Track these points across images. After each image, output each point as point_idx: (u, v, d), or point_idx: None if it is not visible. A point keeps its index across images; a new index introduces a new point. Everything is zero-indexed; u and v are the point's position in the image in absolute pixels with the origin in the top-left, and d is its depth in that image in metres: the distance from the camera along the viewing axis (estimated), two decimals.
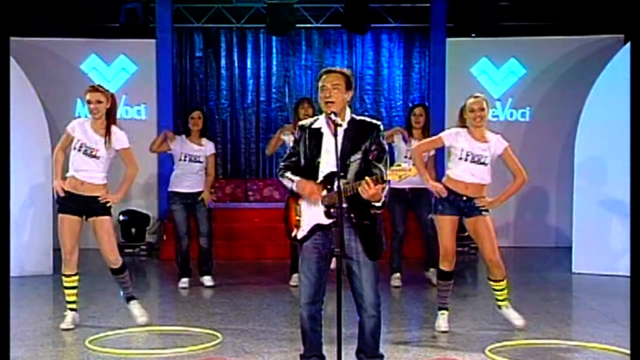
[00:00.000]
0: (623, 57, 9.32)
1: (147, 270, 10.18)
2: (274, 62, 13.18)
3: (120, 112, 11.79)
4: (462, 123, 6.30)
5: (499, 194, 6.27)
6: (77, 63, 11.76)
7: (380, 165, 4.57)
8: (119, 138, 6.38)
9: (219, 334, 6.18)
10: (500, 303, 6.44)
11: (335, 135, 4.43)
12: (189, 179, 8.29)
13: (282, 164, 4.78)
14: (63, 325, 6.50)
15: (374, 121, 4.72)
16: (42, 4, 11.42)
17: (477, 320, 6.79)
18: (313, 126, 4.68)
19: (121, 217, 11.40)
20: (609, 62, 9.47)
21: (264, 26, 12.40)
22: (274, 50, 13.17)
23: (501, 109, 11.92)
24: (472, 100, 6.28)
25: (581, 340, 6.08)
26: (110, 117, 6.36)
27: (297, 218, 4.68)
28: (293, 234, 4.71)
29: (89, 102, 6.34)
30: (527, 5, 12.00)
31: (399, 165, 4.41)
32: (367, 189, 4.36)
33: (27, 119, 9.12)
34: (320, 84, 4.61)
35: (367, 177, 4.39)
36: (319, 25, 12.76)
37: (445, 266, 6.27)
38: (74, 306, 6.60)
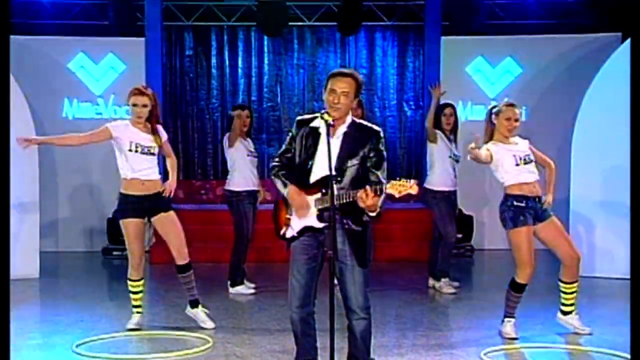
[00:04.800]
0: (621, 55, 9.33)
1: None
2: (266, 61, 13.17)
3: (108, 112, 11.82)
4: (491, 126, 6.27)
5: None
6: (64, 62, 11.72)
7: (379, 173, 4.56)
8: (162, 131, 6.57)
9: (209, 338, 6.17)
10: (568, 308, 6.37)
11: (327, 135, 4.43)
12: (254, 177, 8.26)
13: (276, 161, 4.74)
14: (130, 326, 6.55)
15: (375, 127, 4.71)
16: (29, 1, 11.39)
17: (474, 324, 6.79)
18: (312, 124, 4.62)
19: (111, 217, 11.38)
20: (607, 61, 9.48)
21: (256, 24, 12.39)
22: (266, 49, 13.15)
23: None
24: (509, 108, 6.22)
25: (578, 344, 6.09)
26: (153, 116, 6.49)
27: (288, 217, 4.67)
28: (282, 232, 4.70)
29: (134, 105, 6.44)
30: (524, 3, 12.02)
31: (399, 180, 4.38)
32: (365, 199, 4.34)
33: (13, 119, 9.06)
34: (329, 85, 4.56)
35: (367, 187, 4.36)
36: (311, 23, 12.75)
37: (522, 279, 6.15)
38: (140, 309, 6.65)
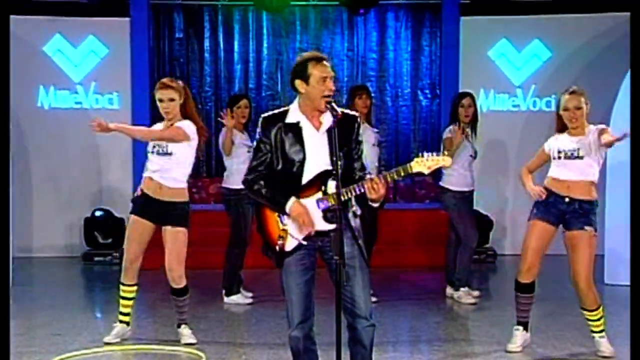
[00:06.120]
0: None
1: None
2: (265, 45, 13.17)
3: (89, 101, 11.84)
4: (560, 123, 6.31)
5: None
6: (39, 45, 11.74)
7: (363, 160, 4.67)
8: (183, 123, 6.42)
9: (201, 354, 6.20)
10: (595, 335, 6.33)
11: (333, 129, 4.42)
12: None
13: (252, 175, 4.68)
14: (107, 339, 6.56)
15: (352, 112, 4.79)
16: None
17: (496, 337, 6.80)
18: (287, 121, 4.60)
19: (97, 213, 11.42)
20: None
21: (253, 3, 12.40)
22: (265, 31, 13.15)
23: (523, 98, 11.93)
24: (566, 96, 6.26)
25: None
26: (187, 112, 6.47)
27: (283, 227, 4.60)
28: (279, 246, 4.60)
29: (160, 100, 6.43)
30: None
31: (423, 156, 4.43)
32: (377, 189, 4.39)
33: None
34: (318, 73, 4.52)
35: (374, 176, 4.43)
36: (315, 2, 12.76)
37: (520, 277, 6.27)
38: (127, 319, 6.69)
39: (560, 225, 6.23)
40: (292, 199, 4.51)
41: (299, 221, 4.49)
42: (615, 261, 9.16)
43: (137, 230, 6.50)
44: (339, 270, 4.33)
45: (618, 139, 6.08)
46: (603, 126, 6.30)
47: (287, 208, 4.51)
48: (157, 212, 6.43)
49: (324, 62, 4.57)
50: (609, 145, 6.15)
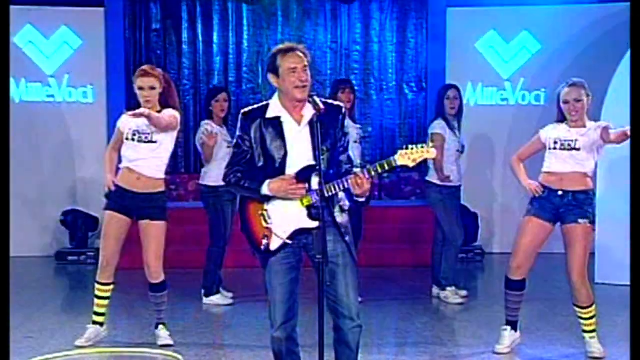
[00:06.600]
0: None
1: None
2: (245, 36, 13.15)
3: (62, 95, 11.77)
4: (560, 115, 6.33)
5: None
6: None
7: (349, 153, 4.69)
8: (170, 111, 6.47)
9: (179, 356, 6.19)
10: (586, 335, 6.33)
11: (317, 122, 4.43)
12: None
13: (232, 170, 4.64)
14: (79, 342, 6.55)
15: (336, 102, 4.80)
16: None
17: (484, 338, 6.82)
18: (268, 115, 4.59)
19: (62, 218, 11.37)
20: None
21: None
22: (245, 22, 13.13)
23: (512, 92, 11.93)
24: (566, 89, 6.27)
25: None
26: (169, 101, 6.50)
27: (267, 225, 4.57)
28: (264, 246, 4.58)
29: (140, 88, 6.41)
30: None
31: (407, 148, 4.45)
32: (362, 184, 4.39)
33: None
34: (286, 64, 4.52)
35: (357, 171, 4.43)
36: None
37: (510, 274, 6.31)
38: (101, 319, 6.67)
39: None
40: (266, 182, 4.50)
41: (283, 191, 4.46)
42: (607, 260, 9.19)
43: (114, 227, 6.48)
44: (321, 270, 4.33)
45: (624, 138, 6.09)
46: (606, 123, 6.31)
47: (265, 188, 4.49)
48: (134, 206, 6.42)
49: (294, 53, 4.55)
50: (616, 141, 6.17)
